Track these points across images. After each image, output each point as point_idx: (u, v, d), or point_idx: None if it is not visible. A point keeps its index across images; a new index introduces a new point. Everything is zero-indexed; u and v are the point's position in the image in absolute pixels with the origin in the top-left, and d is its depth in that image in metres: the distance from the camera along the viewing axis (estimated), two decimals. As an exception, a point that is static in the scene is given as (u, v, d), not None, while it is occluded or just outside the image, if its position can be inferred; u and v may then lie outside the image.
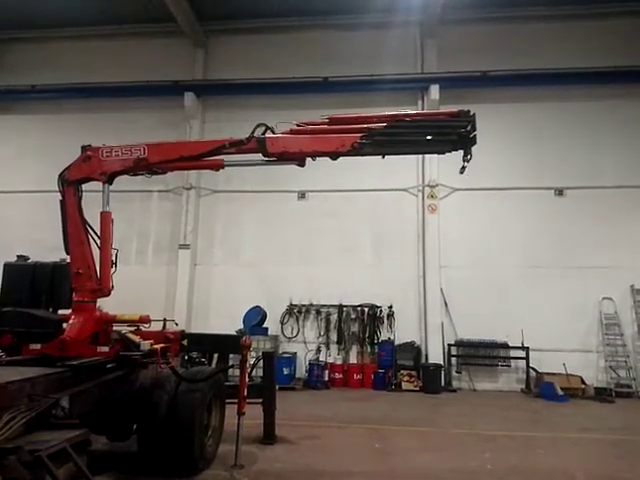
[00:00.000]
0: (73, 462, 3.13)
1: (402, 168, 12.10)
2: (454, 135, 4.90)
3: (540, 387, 10.49)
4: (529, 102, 12.10)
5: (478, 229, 11.96)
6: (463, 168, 4.96)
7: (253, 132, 5.22)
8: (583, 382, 10.64)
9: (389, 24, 12.49)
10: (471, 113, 5.00)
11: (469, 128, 4.90)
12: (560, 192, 11.99)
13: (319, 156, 5.24)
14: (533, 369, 10.98)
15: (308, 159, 5.34)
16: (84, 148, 5.38)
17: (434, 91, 12.07)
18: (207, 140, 6.00)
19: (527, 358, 10.99)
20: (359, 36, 12.67)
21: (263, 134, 5.23)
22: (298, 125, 5.26)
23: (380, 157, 5.31)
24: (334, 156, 5.18)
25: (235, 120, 11.65)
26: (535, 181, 11.93)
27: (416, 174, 12.38)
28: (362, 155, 5.18)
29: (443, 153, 5.16)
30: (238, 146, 5.26)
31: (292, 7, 12.61)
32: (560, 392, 10.07)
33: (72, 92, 13.20)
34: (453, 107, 5.31)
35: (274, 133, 5.29)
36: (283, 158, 5.27)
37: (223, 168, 5.49)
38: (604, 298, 11.40)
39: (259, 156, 5.35)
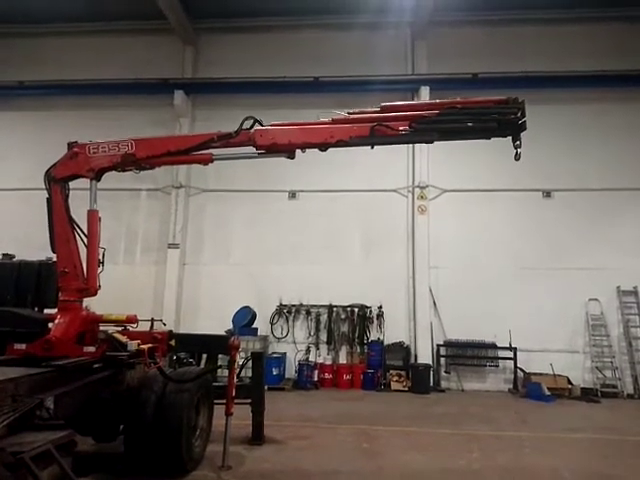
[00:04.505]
0: (57, 464, 3.07)
1: (392, 169, 12.15)
2: (503, 122, 5.00)
3: (527, 387, 10.57)
4: (518, 104, 12.16)
5: (467, 230, 12.01)
6: (517, 154, 4.96)
7: (241, 125, 5.19)
8: (570, 382, 10.75)
9: (380, 25, 12.53)
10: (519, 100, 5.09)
11: (519, 115, 4.98)
12: (548, 194, 12.11)
13: (308, 147, 5.24)
14: (520, 369, 11.07)
15: (298, 152, 5.32)
16: (70, 145, 5.31)
17: (424, 92, 12.09)
18: (195, 134, 5.94)
19: (515, 358, 11.08)
20: (350, 36, 12.65)
21: (251, 127, 5.20)
22: (349, 113, 5.24)
23: (369, 151, 5.30)
24: (323, 147, 5.17)
25: (225, 119, 11.45)
26: (523, 183, 12.00)
27: (406, 175, 12.39)
28: (350, 146, 5.16)
29: (489, 138, 5.18)
30: (226, 139, 5.23)
31: (284, 6, 12.58)
32: (547, 392, 10.15)
33: (60, 89, 13.01)
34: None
35: (262, 126, 5.26)
36: (272, 150, 5.24)
37: (212, 162, 5.44)
38: (590, 299, 11.52)
39: (248, 149, 5.32)
